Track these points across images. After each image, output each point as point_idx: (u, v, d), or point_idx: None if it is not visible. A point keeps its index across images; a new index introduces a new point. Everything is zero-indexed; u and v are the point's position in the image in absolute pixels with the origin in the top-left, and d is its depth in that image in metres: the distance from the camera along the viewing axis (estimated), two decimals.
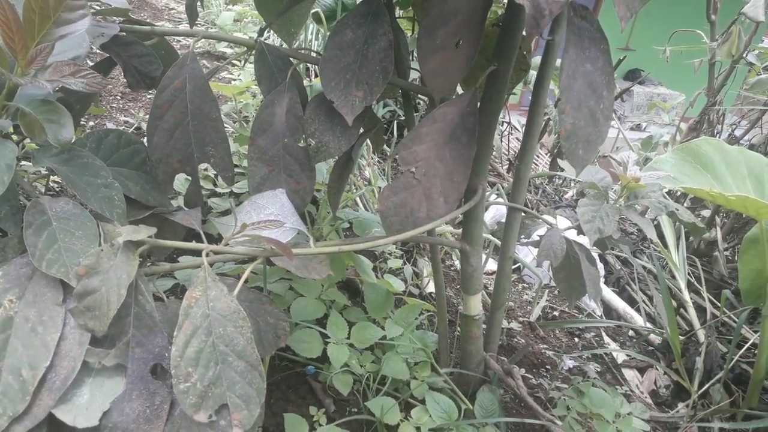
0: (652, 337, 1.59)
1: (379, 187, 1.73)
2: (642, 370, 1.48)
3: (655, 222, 1.83)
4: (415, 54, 0.90)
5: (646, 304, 1.75)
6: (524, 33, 0.77)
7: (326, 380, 1.01)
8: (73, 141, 0.66)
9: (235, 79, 2.51)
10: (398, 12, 1.35)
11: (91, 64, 0.86)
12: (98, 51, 0.84)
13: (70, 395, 0.58)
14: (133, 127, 1.87)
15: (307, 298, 1.09)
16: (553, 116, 2.56)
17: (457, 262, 1.72)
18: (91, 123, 1.82)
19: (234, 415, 0.60)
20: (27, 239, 0.61)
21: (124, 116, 1.96)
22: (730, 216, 1.98)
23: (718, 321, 1.59)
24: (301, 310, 1.05)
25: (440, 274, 1.06)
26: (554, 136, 2.84)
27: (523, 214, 0.95)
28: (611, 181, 1.04)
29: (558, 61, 0.75)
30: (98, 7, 0.82)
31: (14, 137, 0.71)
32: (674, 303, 1.63)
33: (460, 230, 0.96)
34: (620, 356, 1.50)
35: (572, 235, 1.03)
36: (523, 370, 1.26)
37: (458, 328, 1.15)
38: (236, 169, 1.54)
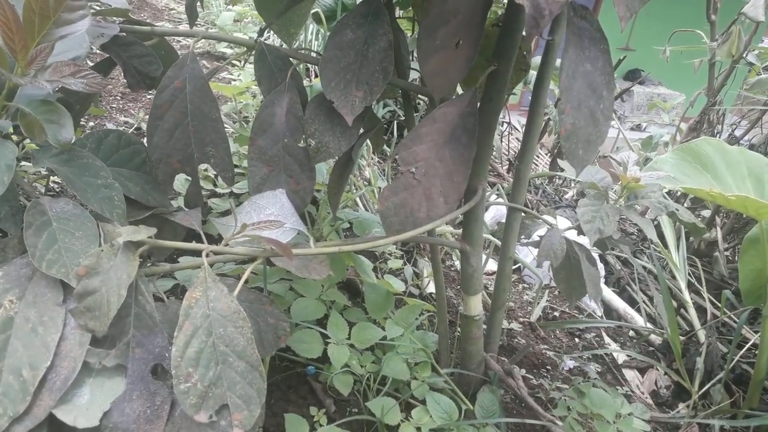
0: (653, 337, 1.59)
1: (379, 188, 1.73)
2: (642, 371, 1.48)
3: (656, 222, 1.83)
4: (415, 54, 0.90)
5: (647, 305, 1.75)
6: (524, 33, 0.77)
7: (327, 380, 1.01)
8: (73, 141, 0.66)
9: (235, 80, 2.51)
10: (398, 12, 1.35)
11: (91, 64, 0.86)
12: (98, 51, 0.84)
13: (71, 395, 0.58)
14: (133, 128, 1.87)
15: (308, 298, 1.09)
16: (553, 116, 2.56)
17: (457, 263, 1.72)
18: (91, 123, 1.82)
19: (234, 416, 0.60)
20: (27, 240, 0.61)
21: (124, 116, 1.96)
22: (731, 216, 1.98)
23: (718, 321, 1.59)
24: (302, 310, 1.05)
25: (440, 275, 1.06)
26: (554, 136, 2.84)
27: (523, 214, 0.95)
28: (611, 182, 1.04)
29: (558, 61, 0.75)
30: (98, 8, 0.82)
31: (14, 137, 0.71)
32: (675, 303, 1.63)
33: (460, 230, 0.96)
34: (621, 357, 1.50)
35: (572, 235, 1.03)
36: (523, 371, 1.26)
37: (458, 329, 1.15)
38: (236, 170, 1.54)
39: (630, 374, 1.45)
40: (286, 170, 0.85)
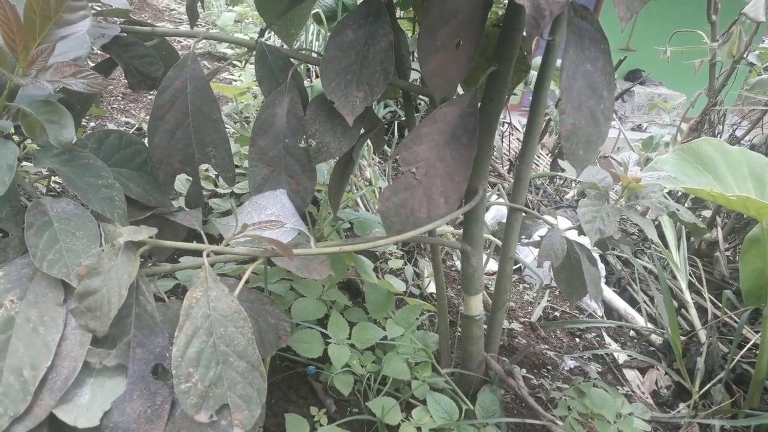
0: (653, 337, 1.59)
1: (380, 188, 1.73)
2: (643, 371, 1.48)
3: (656, 222, 1.83)
4: (415, 54, 0.90)
5: (647, 305, 1.75)
6: (525, 33, 0.77)
7: (327, 380, 1.01)
8: (74, 142, 0.66)
9: (235, 80, 2.51)
10: (399, 12, 1.35)
11: (92, 64, 0.86)
12: (99, 52, 0.84)
13: (71, 395, 0.58)
14: (134, 128, 1.87)
15: (308, 298, 1.09)
16: (553, 117, 2.56)
17: (457, 263, 1.72)
18: (92, 124, 1.82)
19: (235, 416, 0.60)
20: (28, 240, 0.61)
21: (125, 117, 1.96)
22: (731, 216, 1.98)
23: (719, 321, 1.59)
24: (302, 310, 1.05)
25: (441, 275, 1.06)
26: (555, 137, 2.84)
27: (523, 214, 0.95)
28: (612, 182, 1.04)
29: (558, 62, 0.75)
30: (99, 8, 0.82)
31: (15, 138, 0.71)
32: (675, 303, 1.63)
33: (461, 231, 0.96)
34: (621, 356, 1.50)
35: (573, 235, 1.03)
36: (524, 371, 1.26)
37: (459, 329, 1.15)
38: (237, 170, 1.54)
39: (630, 374, 1.45)
40: (286, 170, 0.85)
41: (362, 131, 0.89)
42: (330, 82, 0.79)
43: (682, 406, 1.35)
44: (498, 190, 2.01)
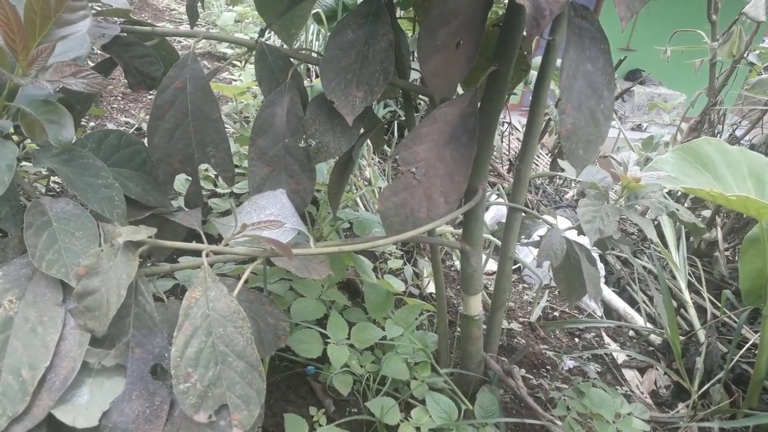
0: (653, 337, 1.59)
1: (380, 188, 1.73)
2: (642, 371, 1.48)
3: (656, 222, 1.83)
4: (415, 54, 0.90)
5: (647, 305, 1.75)
6: (525, 33, 0.77)
7: (326, 380, 1.01)
8: (73, 141, 0.66)
9: (235, 80, 2.51)
10: (399, 12, 1.35)
11: (92, 64, 0.86)
12: (99, 52, 0.83)
13: (70, 395, 0.58)
14: (134, 128, 1.87)
15: (307, 298, 1.09)
16: (553, 116, 2.56)
17: (457, 263, 1.72)
18: (92, 123, 1.82)
19: (234, 416, 0.60)
20: (27, 240, 0.61)
21: (125, 117, 1.96)
22: (731, 216, 1.98)
23: (718, 321, 1.59)
24: (301, 310, 1.05)
25: (440, 275, 1.06)
26: (555, 137, 2.84)
27: (523, 214, 0.95)
28: (612, 182, 1.04)
29: (558, 62, 0.75)
30: (99, 8, 0.82)
31: (15, 138, 0.71)
32: (674, 303, 1.63)
33: (461, 230, 0.96)
34: (620, 356, 1.50)
35: (572, 235, 1.03)
36: (523, 371, 1.26)
37: (458, 329, 1.15)
38: (237, 170, 1.55)
39: (630, 374, 1.45)
40: (286, 170, 0.85)
41: (362, 131, 0.89)
42: (330, 81, 0.79)
43: (681, 406, 1.35)
44: (498, 190, 2.01)
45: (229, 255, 0.71)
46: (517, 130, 3.28)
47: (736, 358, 1.38)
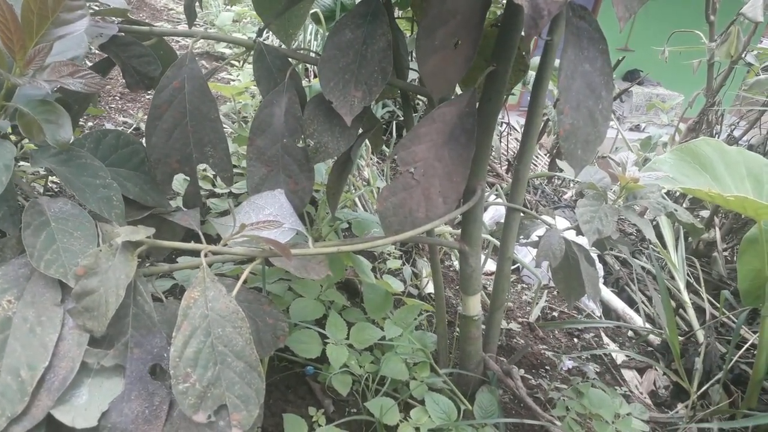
0: (652, 337, 1.59)
1: (378, 188, 1.73)
2: (641, 371, 1.48)
3: (654, 222, 1.83)
4: (414, 54, 0.90)
5: (645, 305, 1.75)
6: (523, 33, 0.77)
7: (325, 381, 1.01)
8: (71, 141, 0.66)
9: (233, 80, 2.51)
10: (397, 12, 1.35)
11: (90, 64, 0.86)
12: (97, 51, 0.83)
13: (69, 396, 0.58)
14: (132, 128, 1.87)
15: (306, 298, 1.09)
16: (552, 117, 2.56)
17: (456, 263, 1.72)
18: (90, 123, 1.82)
19: (233, 416, 0.60)
20: (25, 240, 0.61)
21: (123, 116, 1.96)
22: (729, 216, 1.99)
23: (717, 321, 1.59)
24: (300, 310, 1.05)
25: (439, 275, 1.06)
26: (553, 137, 2.84)
27: (521, 214, 0.95)
28: (610, 182, 1.04)
29: (557, 62, 0.75)
30: (97, 8, 0.82)
31: (12, 137, 0.71)
32: (673, 303, 1.63)
33: (459, 231, 0.96)
34: (619, 357, 1.50)
35: (571, 235, 1.03)
36: (522, 371, 1.26)
37: (457, 329, 1.15)
38: (235, 170, 1.54)
39: (629, 374, 1.45)
40: (284, 170, 0.85)
41: (360, 131, 0.89)
42: (328, 81, 0.79)
43: (680, 406, 1.35)
44: (496, 190, 2.01)
45: (227, 255, 0.71)
46: (516, 130, 3.28)
47: (735, 359, 1.39)
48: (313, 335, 1.02)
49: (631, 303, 1.76)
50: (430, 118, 0.77)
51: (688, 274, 1.78)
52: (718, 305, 1.57)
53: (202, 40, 2.88)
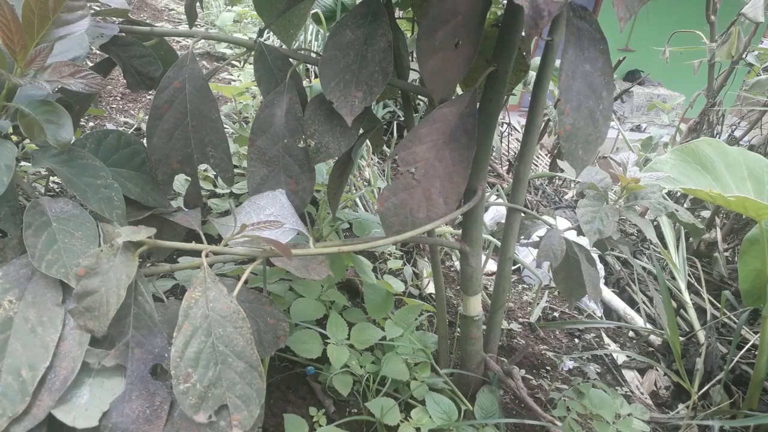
0: (652, 338, 1.59)
1: (379, 188, 1.73)
2: (642, 371, 1.48)
3: (655, 223, 1.83)
4: (414, 55, 0.90)
5: (646, 305, 1.75)
6: (523, 34, 0.77)
7: (326, 381, 1.01)
8: (72, 142, 0.66)
9: (234, 80, 2.51)
10: (398, 12, 1.35)
11: (91, 64, 0.86)
12: (98, 51, 0.83)
13: (70, 396, 0.58)
14: (133, 128, 1.87)
15: (307, 298, 1.09)
16: (552, 117, 2.56)
17: (456, 263, 1.72)
18: (91, 124, 1.82)
19: (234, 416, 0.60)
20: (26, 240, 0.61)
21: (124, 117, 1.96)
22: (730, 217, 1.98)
23: (718, 322, 1.59)
24: (301, 310, 1.05)
25: (440, 275, 1.06)
26: (554, 137, 2.84)
27: (522, 214, 0.95)
28: (611, 182, 1.04)
29: (557, 62, 0.75)
30: (98, 8, 0.82)
31: (14, 138, 0.71)
32: (674, 304, 1.63)
33: (460, 231, 0.96)
34: (620, 357, 1.50)
35: (572, 235, 1.03)
36: (523, 371, 1.26)
37: (458, 329, 1.15)
38: (236, 170, 1.55)
39: (629, 375, 1.45)
40: (285, 171, 0.85)
41: (361, 131, 0.89)
42: (329, 82, 0.79)
43: (681, 406, 1.35)
44: (497, 191, 2.01)
45: (228, 255, 0.71)
46: (517, 130, 3.28)
47: (736, 359, 1.39)
48: (314, 335, 1.02)
49: (632, 303, 1.76)
50: (430, 118, 0.77)
51: (689, 275, 1.78)
52: (719, 306, 1.57)
53: (202, 41, 2.88)
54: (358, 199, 1.70)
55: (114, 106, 2.02)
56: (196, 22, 0.98)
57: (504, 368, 1.07)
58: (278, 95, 0.83)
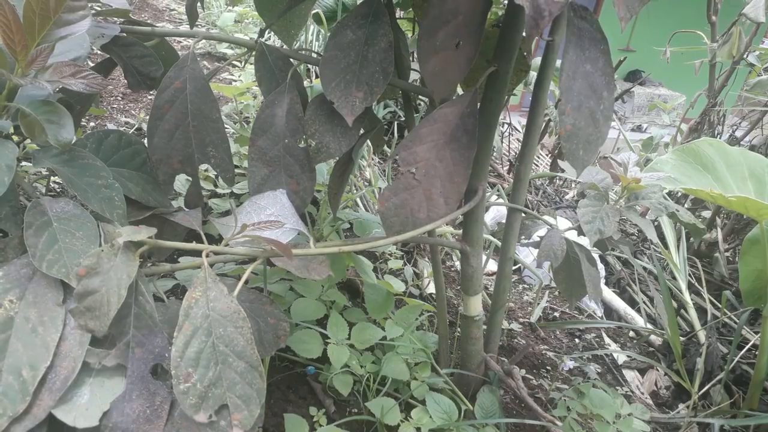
0: (653, 338, 1.59)
1: (380, 188, 1.73)
2: (642, 371, 1.48)
3: (656, 223, 1.83)
4: (415, 55, 0.90)
5: (647, 305, 1.75)
6: (524, 34, 0.77)
7: (326, 381, 1.01)
8: (73, 142, 0.67)
9: (235, 80, 2.51)
10: (398, 13, 1.35)
11: (92, 64, 0.86)
12: (99, 52, 0.84)
13: (71, 395, 0.58)
14: (134, 128, 1.87)
15: (308, 298, 1.09)
16: (553, 117, 2.56)
17: (457, 263, 1.72)
18: (92, 124, 1.82)
19: (234, 416, 0.60)
20: (27, 240, 0.61)
21: (125, 117, 1.96)
22: (731, 217, 1.98)
23: (718, 322, 1.59)
24: (302, 310, 1.05)
25: (440, 275, 1.06)
26: (555, 137, 2.84)
27: (523, 215, 0.95)
28: (612, 182, 1.04)
29: (558, 62, 0.75)
30: (99, 8, 0.82)
31: (15, 138, 0.71)
32: (675, 304, 1.63)
33: (461, 231, 0.96)
34: (621, 357, 1.50)
35: (572, 235, 1.03)
36: (523, 371, 1.26)
37: (458, 329, 1.15)
38: (237, 170, 1.55)
39: (630, 375, 1.45)
40: (286, 171, 0.85)
41: (362, 131, 0.89)
42: (330, 82, 0.79)
43: (681, 406, 1.35)
44: (498, 191, 2.01)
45: (229, 255, 0.71)
46: (517, 130, 3.28)
47: (736, 359, 1.39)
48: (315, 335, 1.02)
49: (632, 303, 1.76)
50: (431, 118, 0.77)
51: (689, 275, 1.78)
52: (720, 306, 1.57)
53: (203, 41, 2.88)
54: (358, 199, 1.70)
55: (115, 106, 2.03)
56: (197, 23, 0.98)
57: (504, 368, 1.07)
58: (279, 95, 0.84)
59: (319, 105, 0.82)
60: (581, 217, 0.93)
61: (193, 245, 0.69)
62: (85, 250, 0.63)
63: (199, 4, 0.95)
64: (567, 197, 2.64)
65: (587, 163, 0.75)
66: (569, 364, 1.32)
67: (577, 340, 1.54)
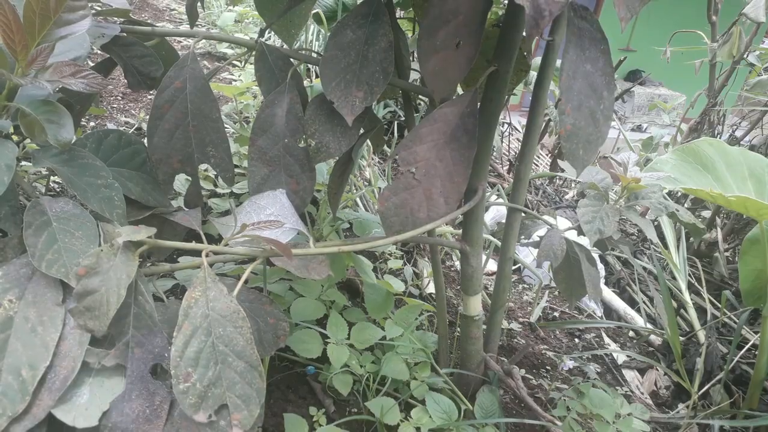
0: (653, 337, 1.59)
1: (380, 188, 1.73)
2: (642, 371, 1.48)
3: (656, 223, 1.83)
4: (415, 54, 0.90)
5: (647, 305, 1.75)
6: (524, 34, 0.77)
7: (326, 380, 1.01)
8: (73, 141, 0.66)
9: (235, 80, 2.51)
10: (399, 12, 1.35)
11: (92, 64, 0.86)
12: (99, 51, 0.84)
13: (70, 395, 0.58)
14: (134, 128, 1.87)
15: (307, 298, 1.09)
16: (553, 117, 2.56)
17: (457, 263, 1.72)
18: (92, 123, 1.82)
19: (234, 416, 0.60)
20: (27, 239, 0.61)
21: (125, 117, 1.96)
22: (731, 217, 1.98)
23: (718, 322, 1.59)
24: (301, 310, 1.05)
25: (440, 275, 1.06)
26: (555, 137, 2.84)
27: (523, 214, 0.95)
28: (611, 182, 1.04)
29: (558, 62, 0.75)
30: (99, 8, 0.82)
31: (15, 137, 0.71)
32: (674, 304, 1.63)
33: (460, 231, 0.96)
34: (620, 357, 1.50)
35: (572, 235, 1.03)
36: (523, 371, 1.26)
37: (458, 329, 1.15)
38: (236, 170, 1.55)
39: (630, 375, 1.45)
40: (286, 170, 0.85)
41: (362, 131, 0.89)
42: (330, 81, 0.79)
43: (681, 406, 1.35)
44: (497, 191, 2.01)
45: (228, 255, 0.71)
46: (517, 130, 3.28)
47: (736, 359, 1.39)
48: (314, 335, 1.02)
49: (632, 303, 1.76)
50: (431, 118, 0.77)
51: (689, 275, 1.78)
52: (720, 305, 1.57)
53: (203, 41, 2.88)
54: (358, 199, 1.70)
55: (115, 105, 2.02)
56: (197, 22, 0.98)
57: (504, 368, 1.07)
58: (279, 95, 0.84)
59: (319, 105, 0.82)
60: (581, 216, 0.93)
61: (193, 245, 0.69)
62: (85, 249, 0.63)
63: (199, 3, 0.95)
64: (567, 197, 2.64)
65: (587, 162, 0.75)
66: (569, 363, 1.32)
67: (576, 340, 1.54)
